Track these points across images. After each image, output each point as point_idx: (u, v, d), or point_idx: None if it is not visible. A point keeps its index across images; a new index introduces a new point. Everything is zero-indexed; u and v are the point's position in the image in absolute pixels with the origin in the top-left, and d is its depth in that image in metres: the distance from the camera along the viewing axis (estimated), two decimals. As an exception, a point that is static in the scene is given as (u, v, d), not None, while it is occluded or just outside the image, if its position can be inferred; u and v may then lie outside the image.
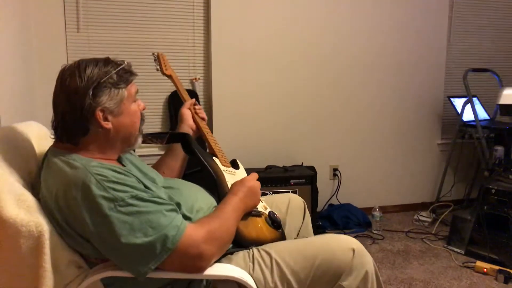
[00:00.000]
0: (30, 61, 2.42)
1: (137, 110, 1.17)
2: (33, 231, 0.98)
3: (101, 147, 1.11)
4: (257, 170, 2.67)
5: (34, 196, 1.06)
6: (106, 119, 1.08)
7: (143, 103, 1.21)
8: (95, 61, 1.10)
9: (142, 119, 1.20)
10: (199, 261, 1.04)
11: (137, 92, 1.17)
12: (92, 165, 1.03)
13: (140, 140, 1.20)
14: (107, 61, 1.12)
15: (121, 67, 1.12)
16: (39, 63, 2.52)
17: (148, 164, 1.34)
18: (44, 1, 2.51)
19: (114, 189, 0.99)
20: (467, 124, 3.07)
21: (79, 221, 0.99)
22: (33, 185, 1.13)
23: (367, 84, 3.19)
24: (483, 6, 3.44)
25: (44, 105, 2.47)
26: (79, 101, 1.05)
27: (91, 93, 1.05)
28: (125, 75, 1.12)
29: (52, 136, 1.12)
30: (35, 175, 1.16)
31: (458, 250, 2.59)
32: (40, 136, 1.33)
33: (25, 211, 1.00)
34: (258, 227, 1.27)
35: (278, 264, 1.15)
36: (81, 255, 1.09)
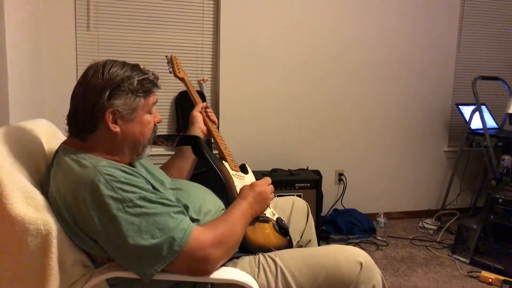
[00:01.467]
0: (39, 58, 2.44)
1: (150, 121, 1.16)
2: (41, 230, 0.98)
3: (109, 149, 1.10)
4: (262, 173, 2.70)
5: (43, 194, 1.06)
6: (115, 122, 1.08)
7: (159, 116, 1.20)
8: (123, 64, 1.10)
9: (154, 131, 1.19)
10: (205, 265, 1.04)
11: (155, 103, 1.16)
12: (101, 165, 1.03)
13: (148, 150, 1.18)
14: (134, 67, 1.12)
15: (145, 76, 1.11)
16: (48, 60, 2.53)
17: (156, 164, 1.34)
18: (55, -2, 2.53)
19: (122, 190, 0.99)
20: (475, 132, 3.05)
21: (86, 220, 0.99)
22: (42, 183, 1.12)
23: (375, 89, 3.18)
24: (493, 14, 3.43)
25: (53, 102, 2.52)
26: (94, 98, 1.05)
27: (107, 93, 1.05)
28: (148, 85, 1.12)
29: (67, 129, 1.12)
30: (44, 173, 1.16)
31: (463, 259, 2.56)
32: (49, 133, 1.33)
33: (34, 209, 1.00)
34: (265, 233, 1.26)
35: (283, 272, 1.14)
36: (88, 254, 1.09)
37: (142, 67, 1.14)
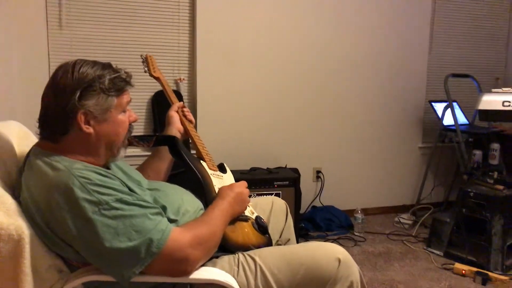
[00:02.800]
0: (9, 58, 2.36)
1: (125, 120, 1.13)
2: (13, 235, 0.95)
3: (83, 150, 1.08)
4: (241, 172, 2.70)
5: (14, 198, 1.03)
6: (88, 123, 1.05)
7: (135, 115, 1.17)
8: (93, 64, 1.07)
9: (129, 130, 1.16)
10: (184, 265, 1.03)
11: (129, 102, 1.14)
12: (75, 167, 1.00)
13: (124, 151, 1.15)
14: (105, 66, 1.09)
15: (117, 74, 1.08)
16: (19, 60, 2.45)
17: (132, 165, 1.32)
18: (25, -4, 2.45)
19: (98, 192, 0.97)
20: (447, 128, 3.14)
21: (61, 224, 0.97)
22: (13, 187, 1.09)
23: (351, 88, 3.22)
24: (464, 13, 3.54)
25: (25, 103, 2.45)
26: (65, 99, 1.02)
27: (78, 94, 1.02)
28: (120, 83, 1.09)
29: (38, 131, 1.09)
30: (15, 176, 1.13)
31: (438, 252, 2.64)
32: (20, 136, 1.29)
33: (5, 214, 0.97)
34: (244, 232, 1.26)
35: (262, 270, 1.14)
36: (63, 258, 1.07)
37: (114, 65, 1.12)
